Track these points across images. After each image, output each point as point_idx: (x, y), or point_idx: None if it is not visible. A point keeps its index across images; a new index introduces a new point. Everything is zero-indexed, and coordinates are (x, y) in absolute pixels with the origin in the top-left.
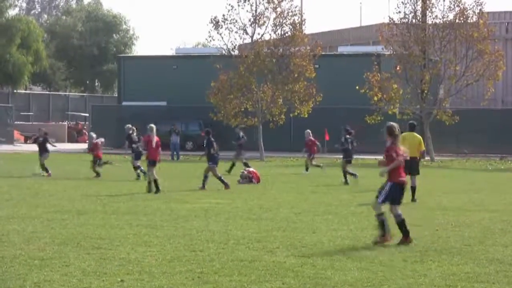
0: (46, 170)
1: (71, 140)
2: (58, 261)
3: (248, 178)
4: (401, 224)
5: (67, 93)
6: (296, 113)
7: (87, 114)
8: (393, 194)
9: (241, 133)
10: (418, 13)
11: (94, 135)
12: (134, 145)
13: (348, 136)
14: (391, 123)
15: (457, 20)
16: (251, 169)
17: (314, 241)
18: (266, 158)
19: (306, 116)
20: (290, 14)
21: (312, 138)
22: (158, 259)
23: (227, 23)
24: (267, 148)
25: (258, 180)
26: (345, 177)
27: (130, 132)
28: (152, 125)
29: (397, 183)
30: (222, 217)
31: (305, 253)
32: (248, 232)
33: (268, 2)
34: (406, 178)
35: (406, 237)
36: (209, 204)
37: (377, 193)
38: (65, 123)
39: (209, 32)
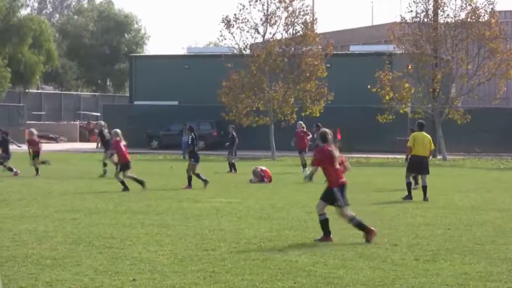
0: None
1: (83, 139)
2: (70, 260)
3: (260, 177)
4: (324, 222)
5: (78, 93)
6: (307, 112)
7: (98, 114)
8: (342, 194)
9: (234, 133)
10: (430, 12)
11: (35, 132)
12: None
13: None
14: (324, 129)
15: (468, 19)
16: (263, 167)
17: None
18: (278, 158)
19: (318, 115)
20: (301, 13)
21: (304, 130)
22: (170, 258)
23: (238, 23)
24: (278, 147)
25: (270, 179)
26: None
27: (102, 128)
28: (118, 130)
29: (339, 186)
30: (233, 216)
31: (317, 253)
32: (260, 231)
33: (280, 2)
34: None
35: (326, 237)
36: (221, 204)
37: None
38: (77, 122)
39: (220, 31)
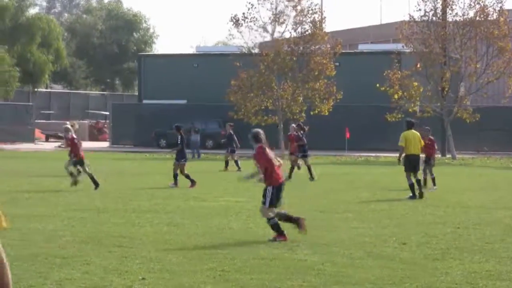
0: None
1: (93, 138)
2: (79, 259)
3: None
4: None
5: (87, 92)
6: (316, 111)
7: (107, 113)
8: (276, 196)
9: (231, 131)
10: (438, 10)
11: None
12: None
13: (302, 132)
14: (256, 129)
15: (477, 18)
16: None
17: (334, 239)
18: (287, 157)
19: (327, 114)
20: (310, 12)
21: (295, 134)
22: (179, 257)
23: (247, 22)
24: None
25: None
26: (311, 173)
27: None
28: (69, 126)
29: (277, 186)
30: (242, 215)
31: (326, 251)
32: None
33: (288, 0)
34: (284, 178)
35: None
36: (229, 202)
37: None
38: (86, 121)
39: (229, 30)
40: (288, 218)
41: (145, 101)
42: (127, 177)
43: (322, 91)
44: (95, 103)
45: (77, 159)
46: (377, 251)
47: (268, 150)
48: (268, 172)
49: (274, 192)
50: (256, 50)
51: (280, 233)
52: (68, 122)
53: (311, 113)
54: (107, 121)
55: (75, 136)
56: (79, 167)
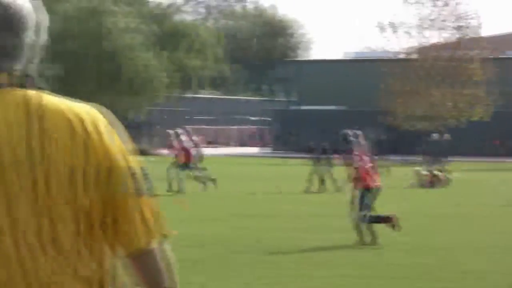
0: None
1: (252, 144)
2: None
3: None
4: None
5: (243, 97)
6: (471, 117)
7: (266, 118)
8: (365, 199)
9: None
10: None
11: None
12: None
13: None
14: (346, 130)
15: None
16: (427, 172)
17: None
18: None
19: (483, 120)
20: (466, 17)
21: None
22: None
23: (400, 27)
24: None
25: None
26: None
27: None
28: (178, 130)
29: (367, 189)
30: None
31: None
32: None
33: (445, 5)
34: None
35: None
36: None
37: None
38: (238, 127)
39: (384, 35)
40: (378, 219)
41: (303, 107)
42: (280, 182)
43: (475, 97)
44: (251, 109)
45: (184, 162)
46: None
47: (358, 153)
48: (358, 175)
49: (364, 195)
50: (411, 56)
51: (384, 219)
52: (179, 130)
53: (466, 119)
54: (265, 127)
55: (184, 143)
56: (181, 170)
